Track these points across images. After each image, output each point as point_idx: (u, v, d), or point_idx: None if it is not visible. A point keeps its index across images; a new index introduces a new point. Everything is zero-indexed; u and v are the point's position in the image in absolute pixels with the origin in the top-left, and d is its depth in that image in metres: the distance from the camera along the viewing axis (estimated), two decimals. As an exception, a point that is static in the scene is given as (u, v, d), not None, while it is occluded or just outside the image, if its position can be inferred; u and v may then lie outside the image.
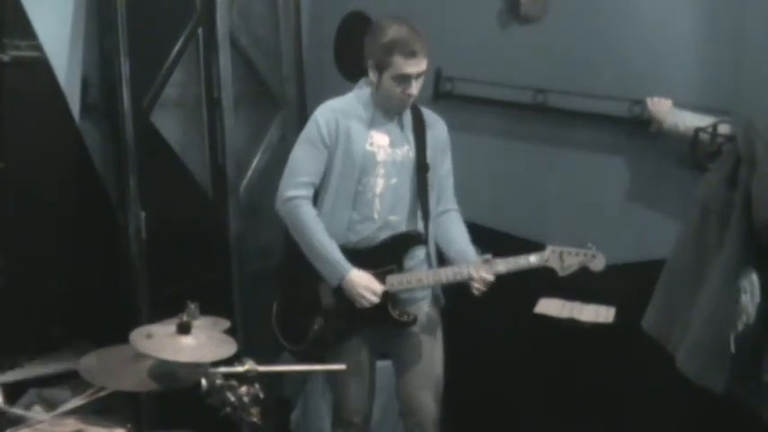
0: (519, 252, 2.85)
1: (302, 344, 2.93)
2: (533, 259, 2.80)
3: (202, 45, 3.56)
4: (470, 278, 2.79)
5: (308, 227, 2.82)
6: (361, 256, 2.85)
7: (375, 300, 2.81)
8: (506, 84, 3.45)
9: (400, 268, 2.88)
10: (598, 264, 2.79)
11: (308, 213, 2.83)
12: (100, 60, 3.23)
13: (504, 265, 2.80)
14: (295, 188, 2.84)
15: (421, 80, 2.82)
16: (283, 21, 4.02)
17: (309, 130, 2.88)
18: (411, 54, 2.74)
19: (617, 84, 3.23)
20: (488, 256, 2.82)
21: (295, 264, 2.89)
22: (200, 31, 3.55)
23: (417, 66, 2.77)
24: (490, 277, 2.78)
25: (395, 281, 2.85)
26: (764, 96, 2.84)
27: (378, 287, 2.82)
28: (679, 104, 3.08)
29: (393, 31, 2.76)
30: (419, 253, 2.94)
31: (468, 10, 3.57)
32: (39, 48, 3.04)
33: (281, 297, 3.00)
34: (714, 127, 2.93)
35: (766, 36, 2.91)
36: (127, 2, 3.12)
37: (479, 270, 2.78)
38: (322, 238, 2.81)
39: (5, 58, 2.94)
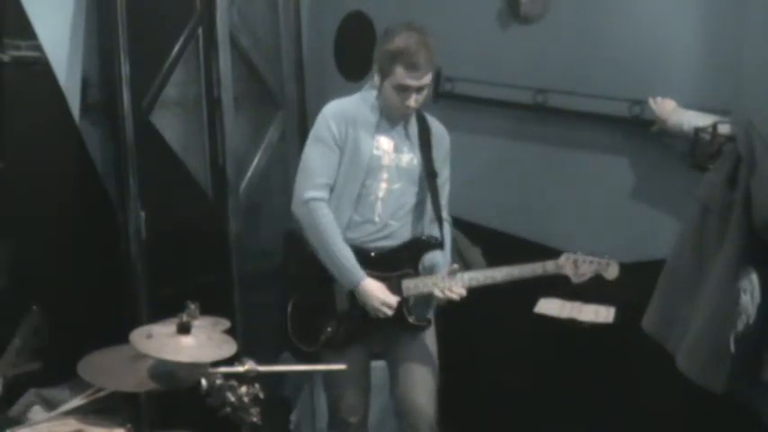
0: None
1: (314, 345, 2.92)
2: (549, 266, 2.83)
3: (202, 45, 3.57)
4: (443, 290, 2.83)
5: (326, 231, 2.80)
6: (377, 259, 2.86)
7: (390, 313, 2.82)
8: (506, 84, 3.45)
9: (415, 272, 2.89)
10: (612, 272, 2.84)
11: (327, 216, 2.81)
12: (100, 60, 3.23)
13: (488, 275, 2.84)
14: (314, 189, 2.82)
15: (424, 93, 2.80)
16: (283, 21, 4.02)
17: (320, 130, 2.86)
18: (413, 66, 2.72)
19: (617, 84, 3.23)
20: (456, 266, 2.87)
21: (310, 264, 2.88)
22: (200, 31, 3.55)
23: (418, 79, 2.75)
24: (461, 291, 2.81)
25: (410, 285, 2.86)
26: (764, 96, 2.84)
27: (393, 300, 2.82)
28: (679, 104, 3.08)
29: (400, 40, 2.74)
30: (437, 258, 2.93)
31: (468, 10, 3.57)
32: (39, 48, 3.04)
33: (296, 297, 2.98)
34: (714, 127, 2.93)
35: (766, 36, 2.91)
36: (127, 2, 3.12)
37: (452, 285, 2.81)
38: (339, 243, 2.81)
39: (5, 58, 2.95)
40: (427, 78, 2.78)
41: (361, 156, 2.82)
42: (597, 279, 2.85)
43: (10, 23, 2.96)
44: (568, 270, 2.83)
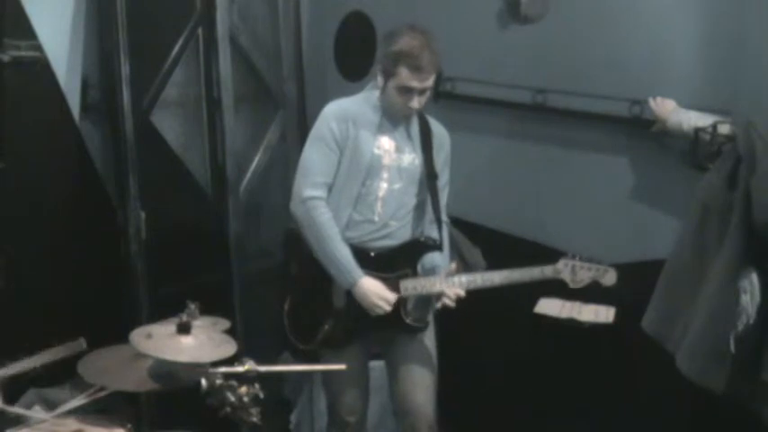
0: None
1: (311, 343, 2.92)
2: (547, 271, 2.83)
3: (202, 45, 3.57)
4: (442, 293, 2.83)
5: (325, 230, 2.81)
6: (376, 259, 2.86)
7: (388, 309, 2.82)
8: (506, 84, 3.46)
9: (414, 273, 2.89)
10: (609, 279, 2.84)
11: (325, 215, 2.81)
12: (100, 60, 3.23)
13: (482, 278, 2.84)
14: (312, 188, 2.83)
15: (426, 95, 2.82)
16: (283, 21, 4.03)
17: (321, 129, 2.86)
18: (416, 68, 2.73)
19: (617, 84, 3.23)
20: (453, 265, 2.87)
21: (309, 263, 2.88)
22: (200, 31, 3.55)
23: (422, 81, 2.76)
24: (460, 293, 2.82)
25: (409, 285, 2.86)
26: (764, 96, 2.84)
27: (390, 296, 2.82)
28: (679, 105, 3.08)
29: (404, 42, 2.75)
30: (437, 260, 2.93)
31: (468, 10, 3.58)
32: (39, 48, 3.04)
33: (294, 295, 2.98)
34: (714, 127, 2.93)
35: (766, 36, 2.91)
36: (127, 2, 3.13)
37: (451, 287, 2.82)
38: (337, 242, 2.81)
39: (5, 58, 2.94)
40: (430, 80, 2.79)
41: (362, 155, 2.82)
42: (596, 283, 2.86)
43: (10, 23, 2.96)
44: (566, 276, 2.83)
